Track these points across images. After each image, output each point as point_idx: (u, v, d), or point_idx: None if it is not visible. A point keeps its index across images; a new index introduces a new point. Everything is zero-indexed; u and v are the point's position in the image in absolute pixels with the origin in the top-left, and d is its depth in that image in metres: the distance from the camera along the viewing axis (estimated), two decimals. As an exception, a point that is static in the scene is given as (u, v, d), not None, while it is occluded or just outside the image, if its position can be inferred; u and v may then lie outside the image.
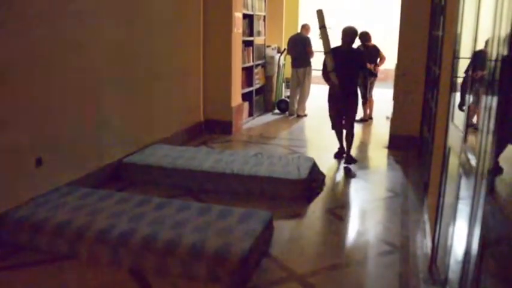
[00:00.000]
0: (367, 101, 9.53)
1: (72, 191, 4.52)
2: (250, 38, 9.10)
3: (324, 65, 6.34)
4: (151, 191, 5.13)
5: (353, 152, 7.30)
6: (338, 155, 6.76)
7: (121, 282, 3.48)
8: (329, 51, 6.16)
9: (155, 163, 5.56)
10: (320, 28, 6.17)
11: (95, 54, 5.14)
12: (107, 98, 5.40)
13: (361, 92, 9.34)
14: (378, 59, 9.30)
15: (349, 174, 6.23)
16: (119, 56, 5.59)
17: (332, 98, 6.40)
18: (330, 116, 6.55)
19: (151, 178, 5.51)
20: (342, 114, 6.45)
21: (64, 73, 4.68)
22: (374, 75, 9.27)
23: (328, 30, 6.18)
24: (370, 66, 9.11)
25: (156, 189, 5.22)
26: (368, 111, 9.65)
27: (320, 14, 6.17)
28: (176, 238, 3.62)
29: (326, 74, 6.30)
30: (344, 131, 6.64)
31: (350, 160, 6.53)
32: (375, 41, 9.49)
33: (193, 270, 3.49)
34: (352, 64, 6.30)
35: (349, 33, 6.30)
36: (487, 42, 2.56)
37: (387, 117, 8.95)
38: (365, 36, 9.32)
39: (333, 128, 6.63)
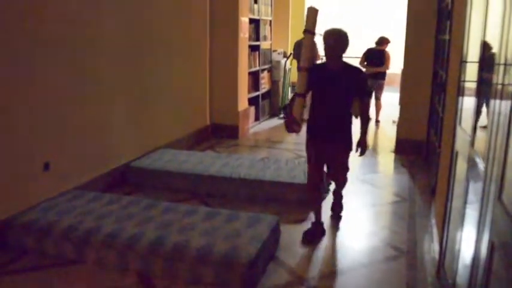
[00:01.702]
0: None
1: (79, 195, 4.53)
2: (257, 43, 9.12)
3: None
4: (158, 195, 5.14)
5: (359, 157, 7.30)
6: (310, 236, 4.35)
7: (129, 286, 3.49)
8: (307, 68, 4.26)
9: (162, 167, 5.57)
10: (304, 32, 4.32)
11: (101, 59, 5.16)
12: (114, 103, 5.42)
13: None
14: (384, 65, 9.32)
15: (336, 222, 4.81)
16: (126, 60, 5.61)
17: (313, 137, 4.33)
18: (308, 164, 4.42)
19: (158, 182, 5.52)
20: (323, 164, 4.43)
21: (71, 78, 4.70)
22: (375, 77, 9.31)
23: (316, 37, 4.51)
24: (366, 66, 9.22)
25: (163, 194, 5.22)
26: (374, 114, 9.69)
27: (312, 13, 4.26)
28: (184, 242, 3.62)
29: (291, 100, 4.37)
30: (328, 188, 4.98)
31: (337, 210, 4.89)
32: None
33: (200, 274, 3.49)
34: (346, 89, 4.14)
35: (338, 40, 4.09)
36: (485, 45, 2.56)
37: (394, 122, 8.96)
38: (381, 41, 9.36)
39: (309, 183, 4.45)
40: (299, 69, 4.38)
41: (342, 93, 4.14)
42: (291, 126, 4.26)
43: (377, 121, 9.67)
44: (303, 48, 4.38)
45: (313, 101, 4.33)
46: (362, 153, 4.35)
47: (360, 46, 9.63)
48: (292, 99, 4.33)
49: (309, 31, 4.28)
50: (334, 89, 4.12)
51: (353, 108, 4.22)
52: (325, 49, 4.14)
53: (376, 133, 9.18)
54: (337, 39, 4.07)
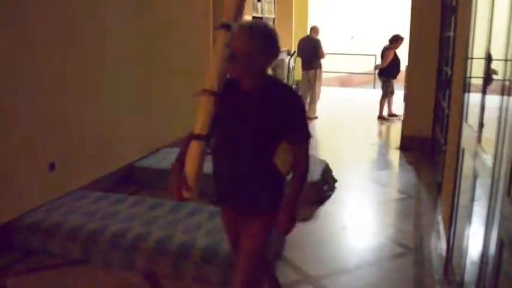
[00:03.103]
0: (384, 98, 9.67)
1: (85, 195, 4.53)
2: (260, 41, 9.08)
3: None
4: (163, 194, 5.12)
5: (365, 154, 7.28)
6: None
7: (135, 286, 3.48)
8: (215, 92, 2.51)
9: (167, 167, 5.55)
10: (220, 28, 2.53)
11: (106, 59, 5.16)
12: (118, 103, 5.41)
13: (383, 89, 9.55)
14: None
15: None
16: (130, 61, 5.60)
17: (220, 204, 2.80)
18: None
19: (163, 182, 5.49)
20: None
21: (76, 79, 4.70)
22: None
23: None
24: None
25: (168, 193, 5.19)
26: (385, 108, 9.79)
27: None
28: (189, 241, 3.62)
29: (184, 146, 2.62)
30: None
31: None
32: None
33: (206, 273, 3.48)
34: (265, 124, 2.40)
35: (256, 42, 2.33)
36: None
37: (398, 118, 8.98)
38: (393, 39, 9.36)
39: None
40: (202, 92, 2.59)
41: (257, 130, 2.39)
42: (178, 191, 2.64)
43: (392, 115, 9.76)
44: (212, 55, 2.60)
45: (215, 143, 2.59)
46: (285, 231, 2.50)
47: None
48: (185, 144, 2.59)
49: (226, 25, 2.52)
50: (243, 122, 2.41)
51: (278, 158, 2.42)
52: (232, 56, 2.36)
53: (380, 129, 9.17)
54: (255, 41, 2.31)
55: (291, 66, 10.28)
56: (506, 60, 2.06)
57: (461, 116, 3.34)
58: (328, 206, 5.06)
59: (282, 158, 2.43)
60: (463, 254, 2.83)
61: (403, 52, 8.88)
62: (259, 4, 8.88)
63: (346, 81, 16.94)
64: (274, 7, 9.83)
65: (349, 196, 5.47)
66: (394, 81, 9.70)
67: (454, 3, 5.09)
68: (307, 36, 9.87)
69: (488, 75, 2.61)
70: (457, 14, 4.64)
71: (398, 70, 9.51)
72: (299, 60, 9.92)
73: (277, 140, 2.41)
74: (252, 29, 2.35)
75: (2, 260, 3.78)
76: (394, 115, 9.71)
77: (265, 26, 2.42)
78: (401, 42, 9.32)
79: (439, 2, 6.67)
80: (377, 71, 10.02)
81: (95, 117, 5.03)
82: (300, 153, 2.45)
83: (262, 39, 2.33)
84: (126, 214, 4.11)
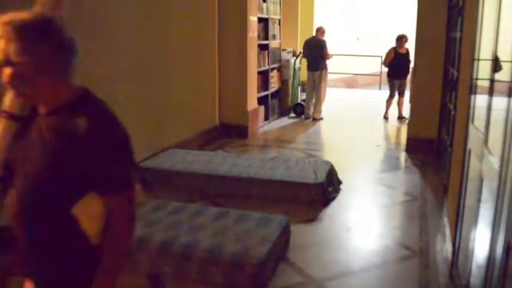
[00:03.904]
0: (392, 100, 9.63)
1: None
2: (266, 42, 9.09)
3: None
4: (167, 195, 5.12)
5: (370, 156, 7.26)
6: None
7: (138, 287, 3.47)
8: (15, 114, 1.74)
9: (171, 167, 5.55)
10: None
11: (110, 57, 5.15)
12: (123, 103, 5.40)
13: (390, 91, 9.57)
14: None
15: None
16: (135, 60, 5.60)
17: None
18: None
19: (167, 183, 5.50)
20: None
21: (79, 78, 4.69)
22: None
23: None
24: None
25: (172, 194, 5.20)
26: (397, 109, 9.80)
27: None
28: (193, 243, 3.60)
29: None
30: None
31: None
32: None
33: (210, 275, 3.46)
34: (55, 168, 1.59)
35: (12, 43, 1.51)
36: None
37: (404, 119, 8.96)
38: (400, 40, 9.29)
39: None
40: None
41: (47, 174, 1.62)
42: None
43: (401, 117, 9.66)
44: None
45: None
46: None
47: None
48: None
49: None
50: (28, 163, 1.66)
51: (81, 216, 1.65)
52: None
53: (386, 131, 9.13)
54: (14, 42, 1.53)
55: (297, 67, 10.26)
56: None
57: (467, 117, 3.31)
58: (333, 208, 5.03)
59: (88, 215, 1.66)
60: (469, 257, 2.80)
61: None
62: (264, 5, 8.85)
63: (351, 82, 16.90)
64: (280, 8, 9.80)
65: (354, 198, 5.44)
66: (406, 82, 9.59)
67: (460, 3, 5.06)
68: (313, 37, 9.85)
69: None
70: (464, 15, 4.60)
71: (400, 71, 9.39)
72: (305, 61, 9.90)
73: (82, 189, 1.63)
74: (11, 24, 1.52)
75: (2, 260, 3.77)
76: (402, 117, 9.61)
77: (34, 18, 1.58)
78: (405, 41, 9.24)
79: (446, 2, 6.63)
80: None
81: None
82: (114, 209, 1.67)
83: (25, 36, 1.53)
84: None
